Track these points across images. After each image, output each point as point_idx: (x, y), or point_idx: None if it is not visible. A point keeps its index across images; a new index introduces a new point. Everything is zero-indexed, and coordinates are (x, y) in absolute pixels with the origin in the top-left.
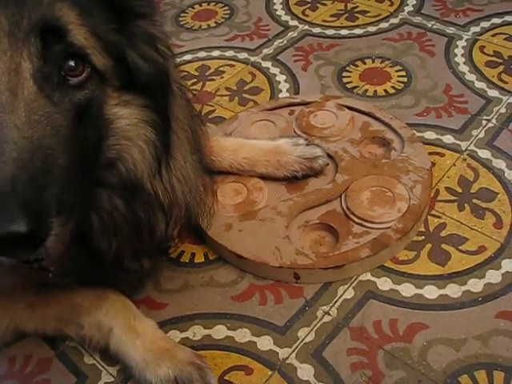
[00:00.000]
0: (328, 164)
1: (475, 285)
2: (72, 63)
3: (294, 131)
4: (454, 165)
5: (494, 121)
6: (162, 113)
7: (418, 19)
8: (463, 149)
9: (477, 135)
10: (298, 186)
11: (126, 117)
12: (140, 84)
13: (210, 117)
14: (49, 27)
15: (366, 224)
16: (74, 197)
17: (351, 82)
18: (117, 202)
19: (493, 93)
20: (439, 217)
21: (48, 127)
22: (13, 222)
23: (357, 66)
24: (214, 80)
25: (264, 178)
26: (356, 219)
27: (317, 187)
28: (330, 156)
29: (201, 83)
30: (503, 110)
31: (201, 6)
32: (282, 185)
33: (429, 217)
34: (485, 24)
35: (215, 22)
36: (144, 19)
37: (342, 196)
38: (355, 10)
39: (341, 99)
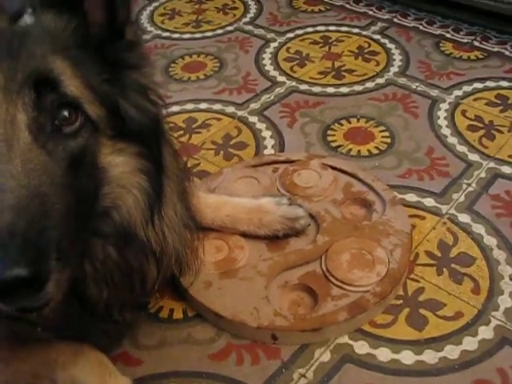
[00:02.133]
0: (310, 224)
1: (452, 351)
2: (66, 113)
3: (278, 189)
4: (434, 228)
5: (474, 185)
6: (156, 161)
7: (403, 80)
8: (443, 212)
9: (457, 199)
10: (279, 245)
11: (120, 165)
12: (133, 132)
13: (194, 170)
14: (42, 79)
15: (344, 287)
16: (72, 243)
17: (336, 140)
18: (110, 251)
19: (473, 157)
20: (418, 281)
21: (44, 175)
22: (12, 266)
23: (341, 124)
24: (200, 133)
25: (245, 235)
26: (335, 281)
27: (298, 247)
28: (312, 216)
29: (187, 135)
30: (483, 175)
31: (191, 57)
32: (263, 243)
33: (408, 280)
34: (467, 88)
35: (204, 75)
36: (135, 70)
37: (322, 257)
38: (342, 69)
39: (325, 158)
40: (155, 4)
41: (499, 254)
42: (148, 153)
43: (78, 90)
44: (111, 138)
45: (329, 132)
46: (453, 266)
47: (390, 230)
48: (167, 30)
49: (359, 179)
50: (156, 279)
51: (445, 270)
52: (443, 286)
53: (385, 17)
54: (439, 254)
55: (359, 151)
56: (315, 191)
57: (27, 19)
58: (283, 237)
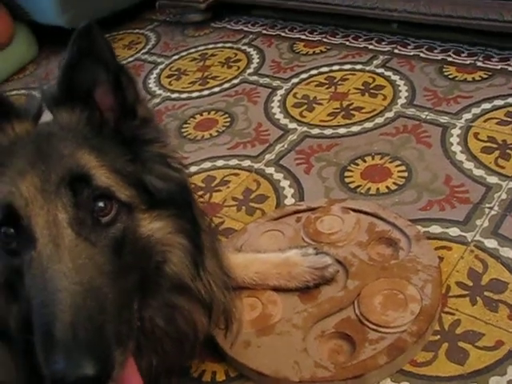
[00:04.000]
0: (338, 271)
1: (498, 383)
2: (101, 204)
3: (303, 239)
4: (462, 257)
5: (496, 208)
6: (190, 220)
7: (411, 111)
8: (469, 240)
9: (481, 225)
10: (311, 295)
11: (161, 228)
12: (164, 200)
13: (219, 229)
14: (75, 177)
15: (380, 329)
16: (129, 322)
17: (353, 181)
18: (157, 322)
19: (492, 179)
20: (453, 313)
21: (93, 268)
22: (80, 366)
23: (357, 164)
24: (220, 191)
25: (277, 289)
26: (371, 325)
27: (329, 295)
28: (339, 262)
29: (208, 195)
30: (504, 196)
31: (202, 115)
32: (295, 295)
33: (442, 314)
34: (476, 110)
35: (217, 131)
36: (153, 144)
37: (355, 302)
38: (351, 107)
39: (345, 202)
40: (161, 66)
41: None
42: (182, 213)
43: (108, 179)
44: (146, 210)
45: (346, 174)
46: (486, 293)
47: (418, 266)
48: (176, 91)
49: (381, 218)
50: (207, 331)
51: (478, 298)
52: (479, 316)
53: (385, 49)
54: (471, 284)
55: (378, 189)
56: (340, 236)
57: (46, 117)
58: (314, 286)
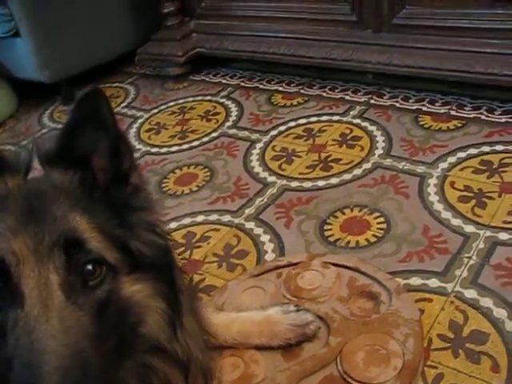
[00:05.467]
0: (320, 327)
1: None
2: (90, 267)
3: (284, 295)
4: (443, 309)
5: (474, 257)
6: (169, 282)
7: (388, 161)
8: (449, 291)
9: (460, 275)
10: (294, 352)
11: (140, 291)
12: (146, 264)
13: (200, 286)
14: (69, 241)
15: None
16: (112, 380)
17: (333, 234)
18: (131, 383)
19: (469, 228)
20: (435, 367)
21: (79, 331)
22: None
23: (336, 217)
24: (201, 247)
25: (259, 348)
26: (354, 382)
27: (312, 352)
28: (320, 318)
29: (188, 251)
30: (482, 245)
31: (181, 170)
32: (277, 353)
33: (425, 368)
34: (451, 159)
35: (197, 186)
36: (141, 211)
37: (338, 359)
38: (329, 159)
39: (325, 256)
40: (140, 120)
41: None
42: (161, 276)
43: (99, 243)
44: (128, 273)
45: (325, 227)
46: (467, 345)
47: (399, 320)
48: (155, 146)
49: (362, 272)
50: None
51: (460, 351)
52: (462, 369)
53: (362, 99)
54: (452, 336)
55: (357, 242)
56: (320, 292)
57: (35, 172)
58: (296, 344)
